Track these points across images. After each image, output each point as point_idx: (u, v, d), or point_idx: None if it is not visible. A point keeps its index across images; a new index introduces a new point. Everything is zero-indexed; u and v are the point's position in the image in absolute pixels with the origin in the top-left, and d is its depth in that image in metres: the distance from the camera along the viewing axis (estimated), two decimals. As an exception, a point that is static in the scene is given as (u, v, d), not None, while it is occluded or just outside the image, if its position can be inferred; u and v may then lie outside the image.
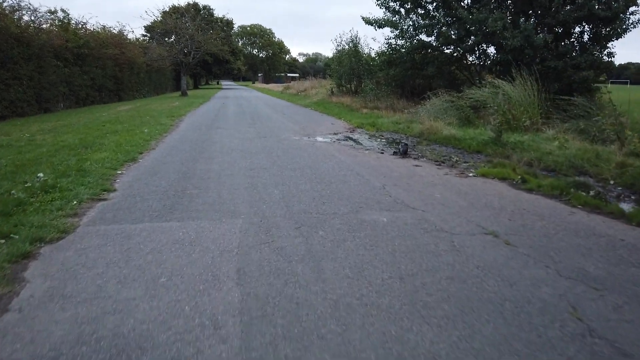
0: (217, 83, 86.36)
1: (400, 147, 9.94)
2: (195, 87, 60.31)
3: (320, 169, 7.84)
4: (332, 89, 31.14)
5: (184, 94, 36.12)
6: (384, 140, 12.35)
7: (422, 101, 19.94)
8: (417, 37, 21.78)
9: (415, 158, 9.45)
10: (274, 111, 21.53)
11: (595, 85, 17.74)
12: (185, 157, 9.04)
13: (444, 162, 8.99)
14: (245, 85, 77.59)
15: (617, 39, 17.68)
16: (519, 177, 7.48)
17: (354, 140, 12.07)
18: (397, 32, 22.17)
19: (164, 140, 11.63)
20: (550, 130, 12.59)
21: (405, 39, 22.07)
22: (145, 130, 12.98)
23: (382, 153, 10.00)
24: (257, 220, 4.96)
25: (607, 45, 17.67)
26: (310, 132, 13.38)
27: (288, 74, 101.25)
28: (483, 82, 16.88)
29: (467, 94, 15.77)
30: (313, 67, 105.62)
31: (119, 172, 7.51)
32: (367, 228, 4.72)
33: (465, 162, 9.05)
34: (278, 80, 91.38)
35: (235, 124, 15.61)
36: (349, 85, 29.79)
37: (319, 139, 12.11)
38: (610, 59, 18.67)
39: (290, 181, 6.89)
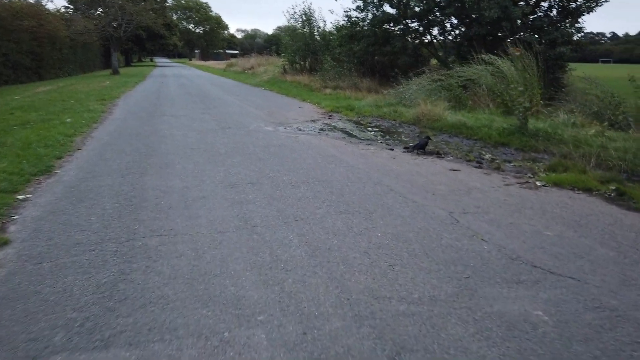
0: (151, 60, 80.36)
1: (418, 141, 7.63)
2: (127, 64, 55.13)
3: (335, 183, 5.39)
4: (284, 67, 28.38)
5: (115, 72, 31.95)
6: (376, 130, 10.01)
7: (391, 80, 17.92)
8: (380, 7, 19.66)
9: (438, 155, 7.20)
10: (226, 92, 18.62)
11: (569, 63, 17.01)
12: (126, 163, 6.29)
13: (480, 163, 6.79)
14: (182, 63, 72.44)
15: (588, 13, 16.78)
16: (612, 188, 5.39)
17: (343, 131, 9.64)
18: (359, 2, 19.89)
19: (94, 134, 8.68)
20: (561, 115, 10.59)
21: (368, 11, 19.87)
22: (68, 120, 9.90)
23: (392, 149, 7.67)
24: None
25: (579, 20, 16.75)
26: (282, 120, 10.81)
27: (227, 51, 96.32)
28: (452, 58, 15.20)
29: (456, 72, 13.65)
30: (252, 43, 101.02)
31: (17, 201, 4.69)
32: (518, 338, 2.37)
33: (507, 162, 6.90)
34: (217, 57, 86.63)
35: (184, 109, 12.70)
36: (303, 63, 27.18)
37: (299, 129, 9.58)
38: (581, 35, 17.98)
39: (306, 211, 4.42)
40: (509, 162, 6.95)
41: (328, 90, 18.70)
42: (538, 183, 5.67)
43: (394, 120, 11.42)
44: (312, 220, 4.13)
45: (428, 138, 7.60)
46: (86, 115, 10.89)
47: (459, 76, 13.68)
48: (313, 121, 10.92)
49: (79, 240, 3.63)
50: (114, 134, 8.64)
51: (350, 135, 9.15)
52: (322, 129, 9.76)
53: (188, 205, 4.55)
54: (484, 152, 7.64)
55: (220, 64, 56.10)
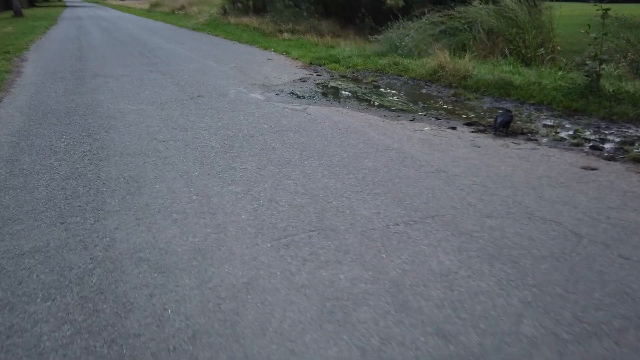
0: (59, 0, 71.02)
1: (497, 116, 5.36)
2: (32, 4, 47.69)
3: (458, 217, 3.05)
4: (224, 7, 24.69)
5: (18, 14, 26.61)
6: (394, 92, 7.63)
7: (355, 23, 15.39)
8: None
9: (528, 137, 5.05)
10: (164, 39, 15.23)
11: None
12: (55, 191, 3.60)
13: (601, 149, 4.70)
14: (96, 3, 64.28)
15: None
16: None
17: (354, 96, 7.23)
18: None
19: (-2, 115, 5.68)
20: (609, 66, 8.58)
21: None
22: (-46, 91, 6.69)
23: (455, 128, 5.38)
24: None
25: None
26: (262, 80, 8.15)
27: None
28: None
29: (459, 13, 11.34)
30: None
31: None
32: None
33: (627, 144, 4.86)
34: (136, -5, 78.09)
35: (122, 65, 9.56)
36: (247, 1, 23.66)
37: (296, 94, 7.04)
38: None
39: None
40: (631, 143, 4.91)
41: (286, 35, 15.89)
42: None
43: (400, 76, 9.07)
44: None
45: (510, 112, 5.34)
46: (-18, 79, 7.62)
47: (460, 18, 11.40)
48: (303, 81, 8.33)
49: None
50: (27, 115, 5.67)
51: (369, 103, 6.73)
52: (324, 94, 7.24)
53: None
54: (581, 130, 5.54)
55: (142, 3, 49.98)
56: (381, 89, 7.84)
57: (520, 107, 6.65)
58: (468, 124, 5.59)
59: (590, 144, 4.90)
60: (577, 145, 4.89)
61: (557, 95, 6.82)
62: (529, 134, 5.22)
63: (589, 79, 6.75)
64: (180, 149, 4.39)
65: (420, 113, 6.14)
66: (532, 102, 6.87)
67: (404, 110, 6.29)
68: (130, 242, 2.73)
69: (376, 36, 12.12)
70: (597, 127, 5.65)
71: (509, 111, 5.33)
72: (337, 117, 5.73)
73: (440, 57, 8.73)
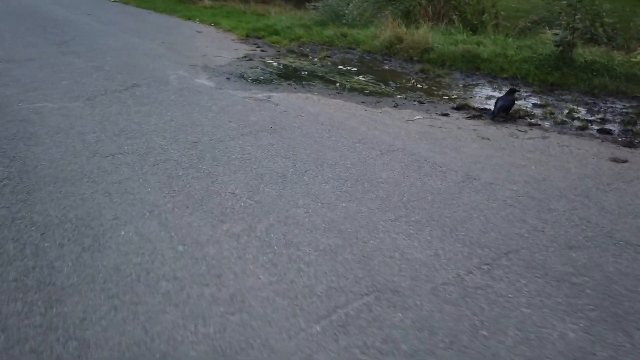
0: None
1: (497, 99, 4.77)
2: None
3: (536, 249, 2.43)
4: (130, -30, 22.23)
5: None
6: (355, 70, 6.89)
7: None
8: None
9: (530, 123, 4.54)
10: (69, 9, 13.16)
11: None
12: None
13: (609, 132, 4.30)
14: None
15: None
16: None
17: (315, 76, 6.38)
18: None
19: None
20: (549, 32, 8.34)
21: None
22: None
23: (447, 115, 4.76)
24: None
25: None
26: (202, 60, 7.06)
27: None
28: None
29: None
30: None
31: None
32: None
33: (624, 122, 4.51)
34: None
35: (24, 44, 7.92)
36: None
37: (247, 78, 6.08)
38: None
39: None
40: (632, 122, 4.56)
41: (207, 2, 14.49)
42: None
43: (353, 49, 8.32)
44: None
45: (514, 93, 4.77)
46: None
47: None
48: (249, 59, 7.33)
49: None
50: None
51: (336, 85, 5.93)
52: (281, 76, 6.33)
53: None
54: (558, 104, 5.13)
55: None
56: (340, 67, 7.04)
57: (494, 82, 6.17)
58: (458, 109, 4.99)
59: (597, 128, 4.48)
60: (583, 129, 4.46)
61: (529, 68, 6.42)
62: (527, 118, 4.71)
63: (560, 48, 6.38)
64: (136, 168, 3.38)
65: (398, 96, 5.45)
66: (504, 76, 6.44)
67: (380, 94, 5.56)
68: (112, 349, 1.81)
69: (314, 3, 11.16)
70: (585, 104, 5.29)
71: (514, 91, 4.76)
72: (310, 107, 4.89)
73: (394, 27, 8.04)
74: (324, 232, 2.58)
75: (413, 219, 2.72)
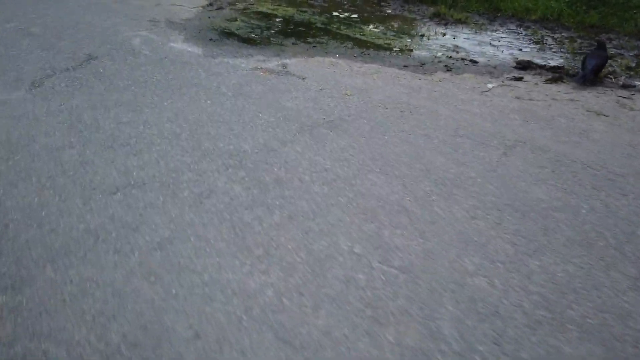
0: None
1: (586, 57, 3.81)
2: None
3: None
4: None
5: None
6: (355, 17, 5.72)
7: None
8: None
9: (619, 84, 3.73)
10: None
11: None
12: None
13: None
14: None
15: None
16: None
17: (332, 34, 5.16)
18: None
19: None
20: None
21: None
22: None
23: (522, 79, 3.81)
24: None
25: None
26: (162, 13, 5.58)
27: None
28: None
29: None
30: None
31: None
32: None
33: None
34: None
35: None
36: None
37: (241, 40, 4.75)
38: None
39: None
40: None
41: None
42: None
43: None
44: None
45: (604, 51, 3.84)
46: None
47: None
48: (218, 7, 5.89)
49: None
50: None
51: (353, 42, 4.75)
52: (279, 32, 5.04)
53: None
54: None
55: None
56: (335, 13, 5.78)
57: (527, 27, 5.25)
58: (522, 68, 4.04)
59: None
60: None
61: (560, 6, 5.53)
62: (615, 79, 3.87)
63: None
64: (173, 215, 2.17)
65: (439, 54, 4.38)
66: (534, 18, 5.51)
67: (411, 51, 4.46)
68: None
69: None
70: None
71: (604, 44, 3.85)
72: (347, 79, 3.73)
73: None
74: None
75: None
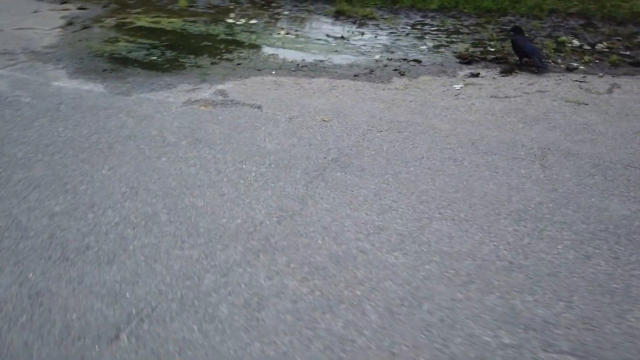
0: None
1: (516, 40, 3.75)
2: None
3: None
4: None
5: None
6: (254, 22, 5.17)
7: None
8: None
9: (560, 66, 3.80)
10: None
11: None
12: None
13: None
14: None
15: None
16: None
17: (246, 46, 4.51)
18: None
19: None
20: None
21: None
22: None
23: (478, 75, 3.67)
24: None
25: None
26: (7, 40, 4.35)
27: None
28: None
29: None
30: None
31: None
32: None
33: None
34: None
35: None
36: None
37: (137, 66, 3.89)
38: None
39: None
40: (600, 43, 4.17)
41: None
42: None
43: None
44: None
45: (522, 32, 3.83)
46: None
47: None
48: (82, 27, 4.84)
49: None
50: None
51: (279, 56, 4.19)
52: (176, 50, 4.25)
53: None
54: (536, 31, 4.49)
55: None
56: (229, 20, 5.10)
57: (432, 17, 5.19)
58: (467, 62, 3.90)
59: (627, 61, 3.93)
60: (615, 65, 3.85)
61: None
62: (553, 62, 3.91)
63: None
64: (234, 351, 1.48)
65: (377, 56, 4.04)
66: (433, 7, 5.49)
67: (344, 55, 4.06)
68: None
69: None
70: (562, 30, 4.73)
71: (520, 30, 3.85)
72: (307, 99, 3.19)
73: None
74: None
75: None
